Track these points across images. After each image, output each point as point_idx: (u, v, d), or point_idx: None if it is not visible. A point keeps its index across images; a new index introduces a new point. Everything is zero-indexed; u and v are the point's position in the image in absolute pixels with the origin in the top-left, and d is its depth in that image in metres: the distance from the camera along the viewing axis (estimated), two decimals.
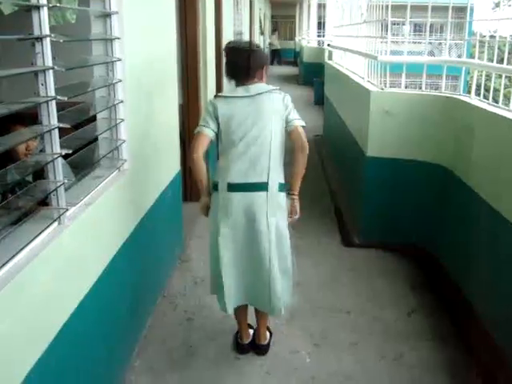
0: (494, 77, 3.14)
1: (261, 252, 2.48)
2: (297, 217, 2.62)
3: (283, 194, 2.53)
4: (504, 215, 2.55)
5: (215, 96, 2.56)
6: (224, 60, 2.59)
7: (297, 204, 2.59)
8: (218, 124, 2.45)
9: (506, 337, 2.49)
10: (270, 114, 2.43)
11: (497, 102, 3.02)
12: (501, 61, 2.99)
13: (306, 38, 19.35)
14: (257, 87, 2.46)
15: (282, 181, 2.52)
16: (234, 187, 2.43)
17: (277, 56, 26.18)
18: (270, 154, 2.43)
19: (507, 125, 2.63)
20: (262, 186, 2.43)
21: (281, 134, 2.48)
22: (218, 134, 2.49)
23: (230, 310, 2.61)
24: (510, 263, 2.51)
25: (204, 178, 2.52)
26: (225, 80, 2.65)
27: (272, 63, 24.42)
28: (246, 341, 2.84)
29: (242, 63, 2.45)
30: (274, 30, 27.48)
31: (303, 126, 2.50)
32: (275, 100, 2.46)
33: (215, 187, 2.51)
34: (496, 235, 2.68)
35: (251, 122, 2.41)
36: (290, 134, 2.49)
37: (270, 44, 25.56)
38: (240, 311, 2.77)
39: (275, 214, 2.47)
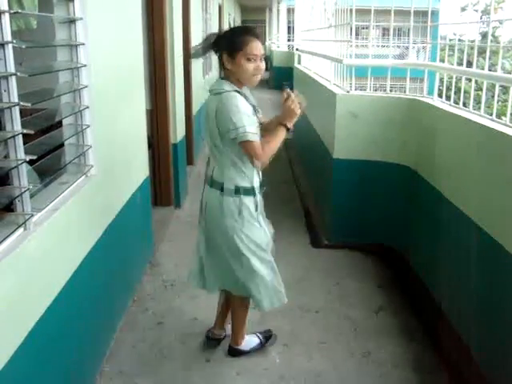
0: (454, 79, 3.23)
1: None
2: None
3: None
4: (467, 214, 2.61)
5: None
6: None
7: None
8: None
9: (472, 334, 2.55)
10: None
11: (465, 104, 3.07)
12: (468, 63, 3.05)
13: (276, 42, 19.41)
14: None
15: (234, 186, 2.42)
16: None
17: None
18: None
19: (467, 125, 2.71)
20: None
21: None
22: None
23: (193, 282, 2.75)
24: (474, 262, 2.57)
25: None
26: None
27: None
28: (217, 332, 2.90)
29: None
30: None
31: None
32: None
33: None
34: (460, 234, 2.74)
35: None
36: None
37: None
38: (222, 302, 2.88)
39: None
